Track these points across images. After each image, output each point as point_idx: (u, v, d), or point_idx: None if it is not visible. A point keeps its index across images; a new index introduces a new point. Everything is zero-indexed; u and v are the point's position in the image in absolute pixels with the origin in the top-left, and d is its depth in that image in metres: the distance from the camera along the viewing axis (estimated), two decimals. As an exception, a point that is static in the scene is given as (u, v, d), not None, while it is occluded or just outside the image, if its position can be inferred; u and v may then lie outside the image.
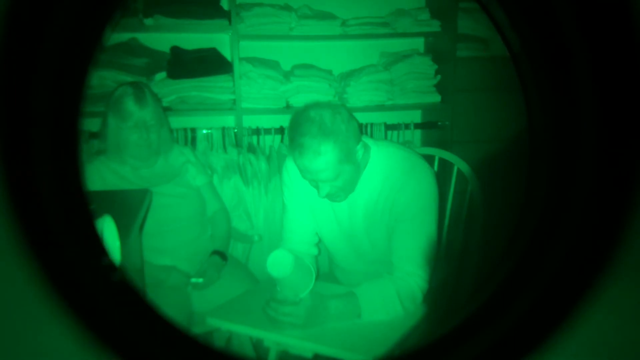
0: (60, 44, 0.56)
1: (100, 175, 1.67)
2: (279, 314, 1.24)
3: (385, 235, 1.40)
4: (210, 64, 2.24)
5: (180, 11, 2.14)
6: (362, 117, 2.20)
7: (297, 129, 1.26)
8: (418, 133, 2.54)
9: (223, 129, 2.24)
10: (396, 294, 1.29)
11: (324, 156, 1.24)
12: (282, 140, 2.31)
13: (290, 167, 1.48)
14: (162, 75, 2.29)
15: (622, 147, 0.58)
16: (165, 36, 2.28)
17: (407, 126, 2.38)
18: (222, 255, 1.73)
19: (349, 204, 1.41)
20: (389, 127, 2.35)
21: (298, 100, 2.30)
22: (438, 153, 1.76)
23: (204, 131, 2.23)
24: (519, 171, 0.78)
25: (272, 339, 1.30)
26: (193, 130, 2.22)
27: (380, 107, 2.34)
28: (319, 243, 1.53)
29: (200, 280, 1.62)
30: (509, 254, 0.70)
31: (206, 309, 1.55)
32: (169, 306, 1.48)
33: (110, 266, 0.74)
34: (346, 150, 1.27)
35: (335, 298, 1.28)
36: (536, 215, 0.67)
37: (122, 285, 0.69)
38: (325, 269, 1.69)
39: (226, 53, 2.33)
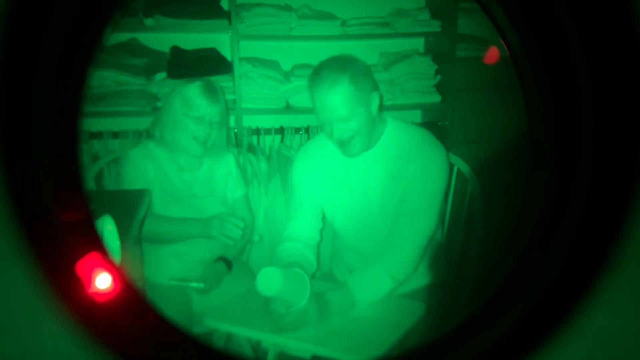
0: (60, 44, 0.56)
1: (145, 162, 1.62)
2: (282, 316, 1.23)
3: (397, 206, 1.40)
4: (210, 64, 2.24)
5: (180, 11, 2.14)
6: (362, 117, 2.20)
7: (318, 67, 1.37)
8: (418, 133, 2.54)
9: (223, 129, 2.24)
10: (383, 270, 1.32)
11: (339, 86, 1.30)
12: (282, 140, 2.31)
13: (309, 148, 1.55)
14: (162, 75, 2.29)
15: (623, 147, 0.58)
16: (165, 36, 2.28)
17: (407, 126, 2.37)
18: (228, 263, 1.68)
19: (363, 174, 1.43)
20: (389, 127, 2.35)
21: (298, 100, 2.30)
22: (438, 153, 1.75)
23: (204, 131, 2.23)
24: (519, 171, 0.78)
25: (270, 340, 1.30)
26: (193, 130, 2.22)
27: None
28: (323, 229, 1.55)
29: (202, 285, 1.59)
30: (509, 253, 0.70)
31: (206, 309, 1.55)
32: (169, 306, 1.48)
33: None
34: (361, 90, 1.33)
35: (331, 291, 1.30)
36: (536, 215, 0.67)
37: (123, 285, 0.69)
38: (326, 269, 1.69)
39: (226, 53, 2.33)
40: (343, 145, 1.38)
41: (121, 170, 1.65)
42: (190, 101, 1.59)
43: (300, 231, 1.49)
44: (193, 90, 1.60)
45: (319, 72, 1.33)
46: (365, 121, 1.36)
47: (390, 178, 1.41)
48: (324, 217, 1.54)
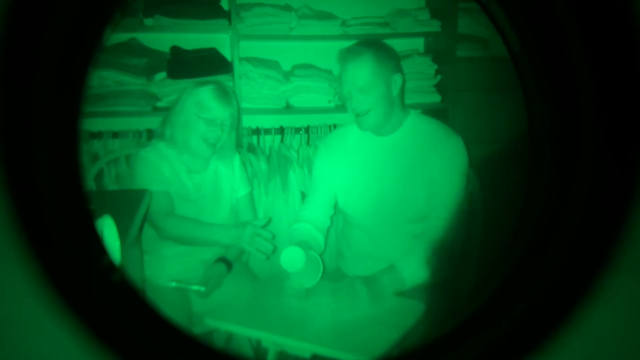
0: (60, 44, 0.56)
1: (161, 163, 1.62)
2: (344, 303, 1.33)
3: (416, 190, 1.48)
4: (210, 63, 2.24)
5: (180, 11, 2.14)
6: (362, 117, 2.20)
7: (351, 44, 1.53)
8: (418, 133, 2.54)
9: (223, 129, 2.23)
10: (424, 251, 1.42)
11: (363, 58, 1.44)
12: (282, 140, 2.31)
13: (330, 137, 1.68)
14: (162, 75, 2.29)
15: (623, 147, 0.58)
16: (165, 36, 2.28)
17: (407, 126, 2.37)
18: (228, 264, 1.68)
19: (382, 158, 1.52)
20: (389, 127, 2.35)
21: (298, 100, 2.30)
22: (438, 153, 1.76)
23: (204, 131, 2.23)
24: (519, 171, 0.78)
25: (270, 339, 1.30)
26: (193, 130, 2.21)
27: (380, 107, 2.34)
28: (333, 216, 1.65)
29: (203, 288, 1.58)
30: (509, 253, 0.70)
31: (206, 309, 1.55)
32: (169, 306, 1.48)
33: (110, 266, 0.74)
34: (383, 67, 1.45)
35: (379, 273, 1.40)
36: (536, 215, 0.67)
37: (122, 285, 0.69)
38: (330, 268, 1.70)
39: (226, 53, 2.33)
40: (359, 116, 1.48)
41: (134, 171, 1.64)
42: (203, 104, 1.60)
43: (313, 214, 1.61)
44: (206, 93, 1.60)
45: (350, 47, 1.50)
46: (384, 99, 1.46)
47: (410, 164, 1.49)
48: (335, 205, 1.64)
